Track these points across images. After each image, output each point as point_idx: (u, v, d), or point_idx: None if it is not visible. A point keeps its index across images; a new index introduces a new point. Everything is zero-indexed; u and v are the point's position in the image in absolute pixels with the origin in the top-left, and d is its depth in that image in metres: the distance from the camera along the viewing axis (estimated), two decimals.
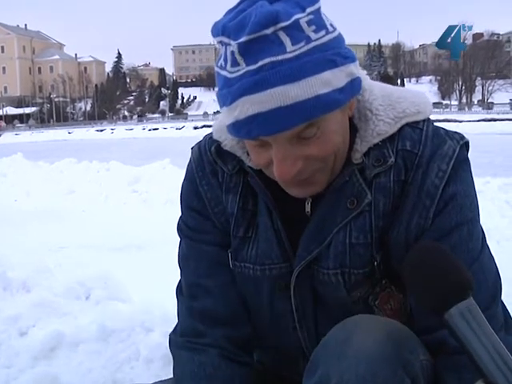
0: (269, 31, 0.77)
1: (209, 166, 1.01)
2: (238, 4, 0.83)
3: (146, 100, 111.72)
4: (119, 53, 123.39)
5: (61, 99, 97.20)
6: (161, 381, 1.14)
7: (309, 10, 0.80)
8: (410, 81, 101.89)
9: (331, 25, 0.84)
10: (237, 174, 0.98)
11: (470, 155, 0.92)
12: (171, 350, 1.04)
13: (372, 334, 0.79)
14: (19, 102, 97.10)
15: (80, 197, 7.08)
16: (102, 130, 56.01)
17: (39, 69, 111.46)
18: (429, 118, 0.93)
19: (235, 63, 0.79)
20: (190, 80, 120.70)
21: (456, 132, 0.93)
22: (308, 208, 0.95)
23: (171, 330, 1.07)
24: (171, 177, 7.03)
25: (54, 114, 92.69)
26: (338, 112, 0.84)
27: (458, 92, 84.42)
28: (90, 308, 2.57)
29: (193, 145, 1.06)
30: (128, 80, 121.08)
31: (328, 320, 0.92)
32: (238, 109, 0.80)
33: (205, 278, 1.01)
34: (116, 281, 2.82)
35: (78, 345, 2.17)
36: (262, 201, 0.96)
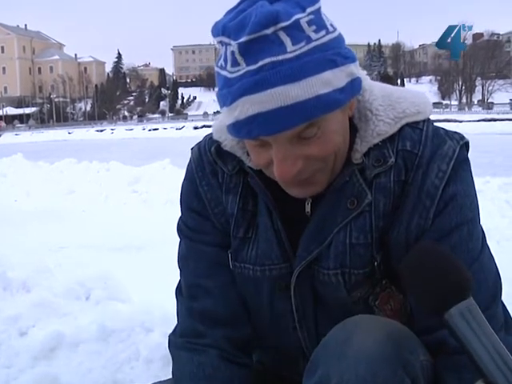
0: (269, 31, 0.77)
1: (209, 166, 1.01)
2: (238, 4, 0.83)
3: (146, 100, 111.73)
4: (119, 53, 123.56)
5: (61, 99, 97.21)
6: (160, 381, 1.14)
7: (309, 10, 0.80)
8: (409, 81, 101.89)
9: (331, 25, 0.84)
10: (237, 174, 0.98)
11: (470, 155, 0.92)
12: (170, 351, 1.04)
13: (372, 334, 0.79)
14: (19, 103, 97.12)
15: (80, 197, 7.08)
16: (101, 131, 56.02)
17: (39, 69, 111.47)
18: (429, 119, 0.93)
19: (235, 63, 0.79)
20: (189, 80, 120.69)
21: (456, 132, 0.93)
22: (308, 208, 0.95)
23: (171, 330, 1.07)
24: (171, 177, 7.03)
25: (53, 115, 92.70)
26: (339, 112, 0.84)
27: (458, 92, 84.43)
28: (90, 308, 2.57)
29: (193, 145, 1.06)
30: (128, 80, 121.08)
31: (328, 320, 0.92)
32: (238, 109, 0.80)
33: (204, 278, 1.01)
34: (116, 281, 2.82)
35: (78, 345, 2.17)
36: (261, 201, 0.96)
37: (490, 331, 0.67)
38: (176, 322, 1.07)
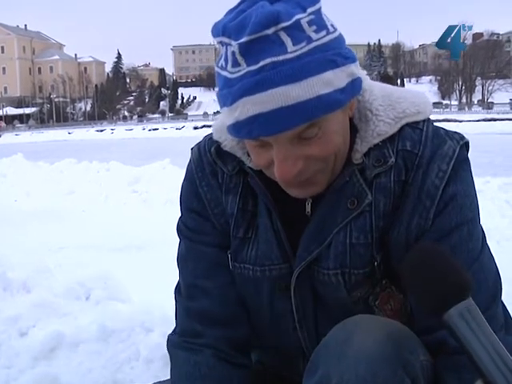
0: (270, 31, 0.77)
1: (208, 166, 1.01)
2: (239, 4, 0.83)
3: (146, 100, 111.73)
4: (119, 53, 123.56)
5: (61, 99, 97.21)
6: (160, 381, 1.14)
7: (309, 10, 0.80)
8: (409, 81, 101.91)
9: (332, 25, 0.84)
10: (237, 174, 0.98)
11: (470, 155, 0.92)
12: (169, 350, 1.05)
13: (372, 334, 0.79)
14: (19, 103, 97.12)
15: (80, 197, 7.08)
16: (101, 131, 56.03)
17: (39, 69, 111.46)
18: (429, 119, 0.94)
19: (236, 63, 0.79)
20: (189, 80, 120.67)
21: (456, 132, 0.93)
22: (308, 208, 0.95)
23: (171, 330, 1.07)
24: (171, 177, 7.03)
25: (53, 115, 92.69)
26: (339, 112, 0.84)
27: (457, 92, 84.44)
28: (90, 308, 2.57)
29: (193, 145, 1.06)
30: (128, 80, 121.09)
31: (328, 320, 0.92)
32: (239, 109, 0.80)
33: (203, 279, 1.01)
34: (116, 281, 2.82)
35: (78, 345, 2.17)
36: (261, 201, 0.96)
37: (489, 331, 0.67)
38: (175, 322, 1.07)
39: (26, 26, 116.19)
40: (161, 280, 2.04)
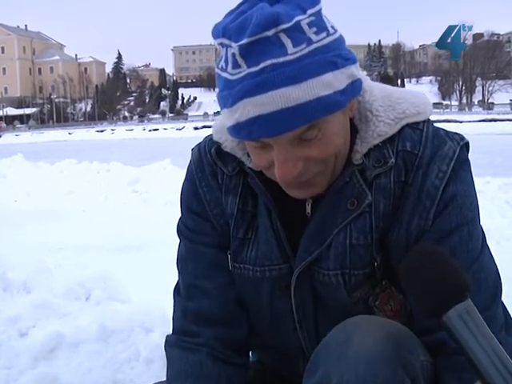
0: (270, 33, 0.77)
1: (208, 167, 1.01)
2: (239, 6, 0.83)
3: (147, 101, 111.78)
4: (119, 53, 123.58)
5: (61, 100, 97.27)
6: (161, 381, 1.14)
7: (310, 11, 0.80)
8: (410, 81, 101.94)
9: (332, 27, 0.84)
10: (237, 175, 0.98)
11: (470, 156, 0.92)
12: (165, 350, 1.05)
13: (372, 335, 0.79)
14: (19, 103, 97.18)
15: (80, 197, 7.09)
16: (102, 131, 56.06)
17: (39, 69, 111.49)
18: (429, 119, 0.94)
19: (236, 65, 0.80)
20: (190, 80, 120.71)
21: (456, 133, 0.93)
22: (308, 209, 0.95)
23: (171, 330, 1.07)
24: (171, 177, 7.03)
25: (54, 115, 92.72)
26: (339, 114, 0.84)
27: (458, 92, 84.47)
28: (89, 308, 2.57)
29: (193, 145, 1.06)
30: (128, 80, 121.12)
31: (328, 321, 0.92)
32: (239, 111, 0.80)
33: (203, 279, 1.01)
34: (116, 281, 2.82)
35: (78, 345, 2.17)
36: (261, 202, 0.96)
37: (488, 333, 0.67)
38: None
39: (26, 26, 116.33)
40: (161, 280, 2.03)
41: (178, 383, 0.98)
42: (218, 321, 1.00)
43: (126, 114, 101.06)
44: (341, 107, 0.82)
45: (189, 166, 1.05)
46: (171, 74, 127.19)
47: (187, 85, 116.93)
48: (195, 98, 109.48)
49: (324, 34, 0.81)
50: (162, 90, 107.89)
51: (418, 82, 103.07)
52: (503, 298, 0.91)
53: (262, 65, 0.77)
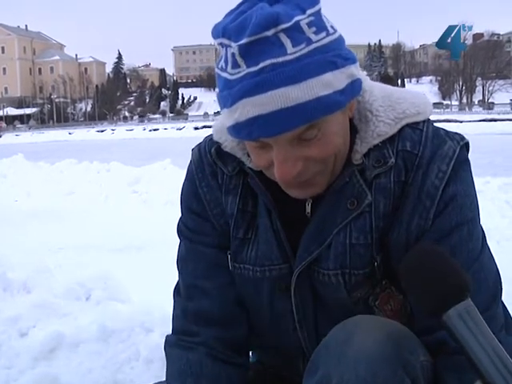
0: (269, 33, 0.77)
1: (208, 167, 1.01)
2: (239, 6, 0.83)
3: (147, 101, 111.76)
4: (119, 53, 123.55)
5: (61, 100, 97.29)
6: (161, 382, 1.14)
7: (309, 11, 0.80)
8: (410, 81, 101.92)
9: (332, 26, 0.84)
10: (237, 175, 0.98)
11: (470, 156, 0.92)
12: (165, 350, 1.05)
13: (372, 335, 0.79)
14: (20, 103, 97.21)
15: (80, 197, 7.09)
16: (102, 131, 56.07)
17: (40, 69, 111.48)
18: (429, 119, 0.94)
19: (236, 65, 0.80)
20: (190, 80, 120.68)
21: (456, 133, 0.93)
22: (308, 209, 0.95)
23: (171, 330, 1.07)
24: (171, 177, 7.03)
25: (54, 115, 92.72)
26: (339, 113, 0.84)
27: (458, 92, 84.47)
28: (90, 308, 2.57)
29: (193, 145, 1.06)
30: (128, 80, 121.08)
31: (328, 320, 0.92)
32: (239, 111, 0.80)
33: (203, 279, 1.01)
34: (116, 281, 2.82)
35: (78, 345, 2.17)
36: (261, 202, 0.96)
37: (488, 332, 0.67)
38: None
39: (26, 26, 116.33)
40: (161, 280, 2.03)
41: (177, 383, 0.98)
42: (218, 321, 1.00)
43: (127, 114, 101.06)
44: (340, 107, 0.82)
45: (189, 166, 1.05)
46: (171, 73, 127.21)
47: (187, 85, 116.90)
48: (195, 98, 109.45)
49: (323, 34, 0.81)
50: (163, 89, 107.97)
51: (418, 81, 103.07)
52: (503, 298, 0.91)
53: (261, 65, 0.77)
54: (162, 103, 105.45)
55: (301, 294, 0.96)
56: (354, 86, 0.84)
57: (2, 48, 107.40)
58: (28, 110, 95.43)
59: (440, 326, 0.70)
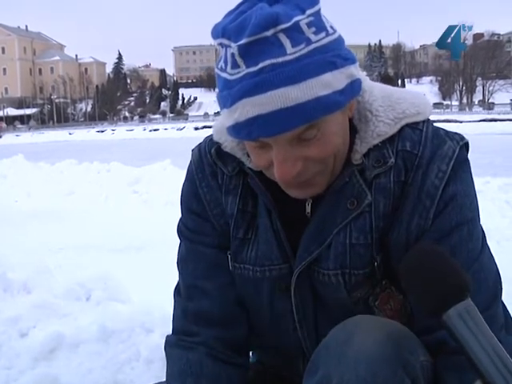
0: (269, 33, 0.77)
1: (208, 167, 1.01)
2: (238, 6, 0.83)
3: (147, 101, 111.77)
4: (120, 54, 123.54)
5: (61, 100, 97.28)
6: (161, 382, 1.14)
7: (309, 11, 0.80)
8: (410, 81, 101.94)
9: (331, 27, 0.84)
10: (237, 175, 0.98)
11: (470, 156, 0.92)
12: (165, 350, 1.05)
13: (372, 335, 0.79)
14: (20, 103, 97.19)
15: (80, 197, 7.09)
16: (102, 131, 56.08)
17: (40, 70, 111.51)
18: (429, 119, 0.94)
19: (235, 65, 0.80)
20: (190, 81, 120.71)
21: (456, 133, 0.93)
22: (308, 209, 0.95)
23: (171, 330, 1.07)
24: (172, 178, 7.04)
25: (54, 115, 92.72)
26: (339, 113, 0.84)
27: (458, 92, 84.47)
28: (90, 309, 2.57)
29: (193, 146, 1.06)
30: (129, 81, 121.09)
31: (328, 321, 0.92)
32: (239, 111, 0.80)
33: (203, 279, 1.01)
34: (116, 282, 2.82)
35: (79, 346, 2.17)
36: (261, 202, 0.96)
37: (488, 332, 0.67)
38: None
39: (26, 26, 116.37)
40: (161, 280, 2.04)
41: (177, 383, 0.98)
42: (218, 321, 1.00)
43: (127, 114, 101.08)
44: (340, 107, 0.82)
45: (189, 166, 1.05)
46: (171, 74, 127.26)
47: (188, 85, 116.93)
48: (195, 99, 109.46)
49: (323, 34, 0.81)
50: (163, 90, 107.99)
51: (418, 82, 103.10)
52: (503, 298, 0.91)
53: (260, 65, 0.77)
54: (163, 103, 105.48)
55: (301, 294, 0.96)
56: (354, 86, 0.84)
57: (3, 48, 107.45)
58: (28, 111, 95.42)
59: (440, 326, 0.70)
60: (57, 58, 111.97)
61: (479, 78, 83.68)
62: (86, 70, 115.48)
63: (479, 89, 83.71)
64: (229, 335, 1.00)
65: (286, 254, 0.95)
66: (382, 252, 0.91)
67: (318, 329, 0.98)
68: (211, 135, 1.02)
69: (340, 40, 0.84)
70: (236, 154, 0.97)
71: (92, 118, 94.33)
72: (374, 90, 0.94)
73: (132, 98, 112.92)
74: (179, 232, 1.07)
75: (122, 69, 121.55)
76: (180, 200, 1.06)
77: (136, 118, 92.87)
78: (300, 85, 0.77)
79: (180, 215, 1.07)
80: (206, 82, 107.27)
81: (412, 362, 0.79)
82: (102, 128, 64.31)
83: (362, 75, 0.90)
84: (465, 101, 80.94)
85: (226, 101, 0.82)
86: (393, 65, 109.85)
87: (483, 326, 0.67)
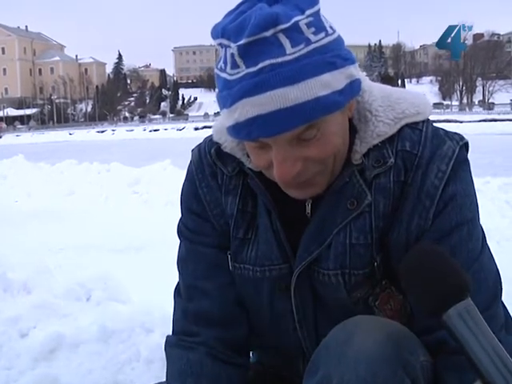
0: (268, 33, 0.77)
1: (208, 168, 1.01)
2: (238, 6, 0.83)
3: (147, 101, 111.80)
4: (120, 54, 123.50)
5: (61, 100, 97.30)
6: (161, 382, 1.14)
7: (308, 12, 0.81)
8: (410, 81, 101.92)
9: (331, 27, 0.84)
10: (236, 175, 0.98)
11: (470, 156, 0.92)
12: (165, 350, 1.05)
13: (372, 335, 0.79)
14: (20, 104, 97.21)
15: (80, 198, 7.09)
16: (102, 132, 56.10)
17: (40, 70, 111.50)
18: (428, 119, 0.94)
19: (235, 65, 0.80)
20: (190, 81, 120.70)
21: (456, 133, 0.93)
22: (308, 209, 0.95)
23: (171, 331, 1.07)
24: (172, 178, 7.03)
25: (54, 116, 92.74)
26: (338, 114, 0.84)
27: (458, 92, 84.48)
28: (90, 309, 2.57)
29: (193, 146, 1.06)
30: (129, 81, 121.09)
31: (328, 321, 0.92)
32: (238, 111, 0.80)
33: (203, 280, 1.01)
34: (116, 282, 2.82)
35: (79, 346, 2.17)
36: (261, 202, 0.96)
37: (488, 332, 0.67)
38: None
39: (26, 27, 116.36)
40: (161, 281, 2.04)
41: (177, 383, 0.98)
42: (218, 321, 1.00)
43: (127, 114, 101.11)
44: (339, 107, 0.82)
45: (189, 166, 1.05)
46: (172, 74, 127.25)
47: (188, 85, 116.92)
48: (196, 99, 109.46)
49: (322, 35, 0.81)
50: (163, 90, 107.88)
51: (418, 82, 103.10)
52: (503, 298, 0.91)
53: (260, 65, 0.78)
54: (163, 104, 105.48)
55: (301, 294, 0.96)
56: (353, 87, 0.84)
57: (3, 49, 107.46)
58: (28, 111, 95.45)
59: (440, 326, 0.70)
60: (57, 58, 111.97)
61: (479, 78, 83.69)
62: (86, 70, 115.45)
63: (479, 89, 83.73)
64: (229, 335, 1.00)
65: (286, 254, 0.95)
66: (382, 252, 0.91)
67: (318, 329, 0.98)
68: (211, 135, 1.02)
69: (339, 40, 0.84)
70: (236, 154, 0.97)
71: (92, 119, 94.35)
72: (374, 90, 0.94)
73: (132, 99, 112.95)
74: (179, 232, 1.07)
75: (122, 69, 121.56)
76: (180, 200, 1.07)
77: (136, 118, 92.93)
78: (299, 85, 0.77)
79: (180, 215, 1.07)
80: (206, 82, 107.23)
81: (412, 362, 0.79)
82: (102, 128, 64.34)
83: (362, 75, 0.90)
84: (465, 101, 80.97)
85: (226, 101, 0.82)
86: (393, 65, 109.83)
87: (483, 326, 0.67)
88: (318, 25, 0.81)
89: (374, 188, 0.90)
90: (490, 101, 75.41)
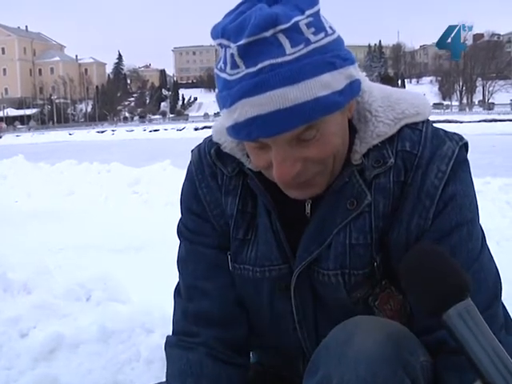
0: (268, 34, 0.77)
1: (208, 168, 1.01)
2: (238, 6, 0.83)
3: (147, 101, 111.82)
4: (120, 54, 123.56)
5: (61, 101, 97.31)
6: (161, 382, 1.14)
7: (308, 12, 0.81)
8: (410, 82, 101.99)
9: (330, 27, 0.84)
10: (236, 176, 0.98)
11: (470, 156, 0.92)
12: (165, 350, 1.05)
13: (372, 335, 0.79)
14: (20, 104, 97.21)
15: (80, 198, 7.08)
16: (102, 132, 56.05)
17: (40, 70, 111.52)
18: (428, 120, 0.94)
19: (235, 65, 0.80)
20: (190, 81, 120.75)
21: (455, 133, 0.94)
22: (308, 209, 0.95)
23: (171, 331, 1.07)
24: (171, 178, 7.03)
25: (54, 116, 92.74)
26: (338, 114, 0.84)
27: (458, 93, 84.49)
28: (90, 309, 2.57)
29: (193, 147, 1.06)
30: (129, 81, 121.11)
31: (328, 321, 0.92)
32: (238, 111, 0.80)
33: (203, 280, 1.01)
34: (116, 282, 2.82)
35: (78, 346, 2.17)
36: (261, 203, 0.96)
37: (487, 332, 0.67)
38: None
39: (26, 27, 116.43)
40: (161, 281, 2.04)
41: (177, 383, 0.98)
42: (218, 321, 1.00)
43: (127, 114, 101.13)
44: (339, 107, 0.82)
45: (189, 167, 1.05)
46: (172, 74, 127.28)
47: (188, 85, 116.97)
48: (196, 99, 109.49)
49: (322, 35, 0.81)
50: (163, 90, 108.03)
51: (418, 82, 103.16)
52: (503, 298, 0.91)
53: (260, 65, 0.78)
54: (163, 104, 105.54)
55: (301, 295, 0.96)
56: (353, 87, 0.84)
57: (3, 49, 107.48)
58: (28, 111, 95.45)
59: (440, 326, 0.70)
60: (57, 58, 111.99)
61: (479, 79, 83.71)
62: (86, 70, 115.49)
63: (479, 89, 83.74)
64: (229, 335, 1.00)
65: (286, 254, 0.96)
66: (382, 252, 0.91)
67: (318, 329, 0.98)
68: (211, 136, 1.02)
69: (339, 40, 0.84)
70: (236, 154, 0.97)
71: (92, 119, 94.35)
72: (374, 91, 0.94)
73: (132, 99, 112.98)
74: (179, 232, 1.07)
75: (122, 69, 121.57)
76: (180, 201, 1.07)
77: (136, 118, 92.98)
78: (299, 85, 0.77)
79: (180, 216, 1.07)
80: (206, 82, 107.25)
81: (412, 363, 0.79)
82: (102, 128, 64.32)
83: (362, 76, 0.90)
84: (465, 101, 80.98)
85: (226, 101, 0.82)
86: (393, 65, 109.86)
87: (483, 326, 0.67)
88: (317, 25, 0.81)
89: (373, 188, 0.90)
90: (490, 101, 75.43)
